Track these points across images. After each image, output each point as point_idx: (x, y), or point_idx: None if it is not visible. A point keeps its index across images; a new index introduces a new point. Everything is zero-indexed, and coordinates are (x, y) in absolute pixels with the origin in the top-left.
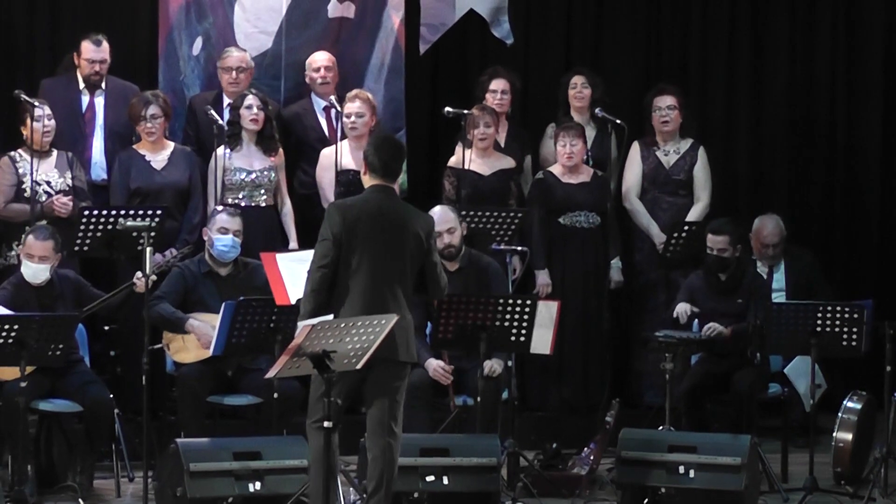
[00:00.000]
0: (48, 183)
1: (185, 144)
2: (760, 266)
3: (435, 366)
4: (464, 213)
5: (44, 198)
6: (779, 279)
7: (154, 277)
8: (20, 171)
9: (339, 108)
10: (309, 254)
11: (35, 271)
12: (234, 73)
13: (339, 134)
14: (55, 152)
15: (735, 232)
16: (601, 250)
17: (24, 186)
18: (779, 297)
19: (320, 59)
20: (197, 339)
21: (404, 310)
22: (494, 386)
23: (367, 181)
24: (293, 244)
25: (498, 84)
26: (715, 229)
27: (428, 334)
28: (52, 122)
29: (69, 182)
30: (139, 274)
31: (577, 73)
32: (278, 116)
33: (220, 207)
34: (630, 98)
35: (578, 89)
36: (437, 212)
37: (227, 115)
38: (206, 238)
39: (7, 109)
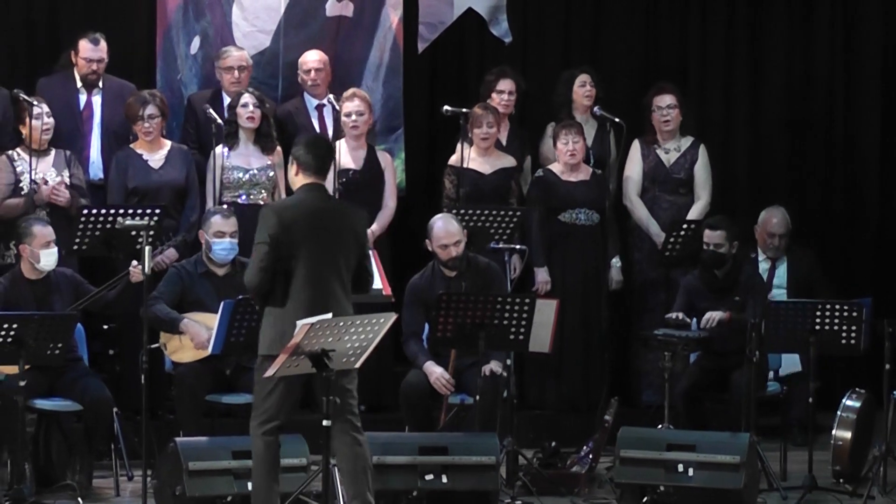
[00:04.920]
0: (46, 182)
1: (186, 143)
2: (763, 259)
3: (438, 375)
4: (462, 211)
5: (37, 185)
6: (780, 276)
7: (148, 272)
8: (18, 169)
9: (336, 107)
10: None
11: (55, 257)
12: (235, 72)
13: (331, 132)
14: (53, 151)
15: (731, 228)
16: (601, 248)
17: (21, 185)
18: (780, 294)
19: (311, 61)
20: (190, 339)
21: (345, 308)
22: (493, 384)
23: (300, 181)
24: None
25: (505, 84)
26: (711, 224)
27: (425, 337)
28: (52, 120)
29: (67, 180)
30: (135, 262)
31: (583, 72)
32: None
33: (213, 209)
34: (628, 96)
35: (587, 88)
36: (442, 226)
37: (213, 115)
38: (202, 241)
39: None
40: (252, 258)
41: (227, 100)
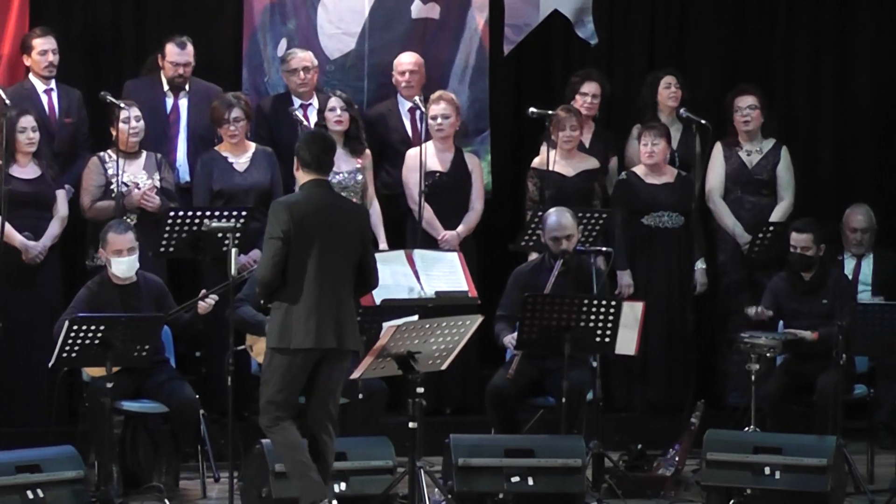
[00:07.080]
0: (136, 185)
1: None
2: (848, 257)
3: (508, 337)
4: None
5: (127, 189)
6: (865, 274)
7: (235, 274)
8: (109, 171)
9: (423, 109)
10: (394, 255)
11: (128, 265)
12: (301, 73)
13: (423, 134)
14: (144, 153)
15: (819, 231)
16: (685, 251)
17: (111, 187)
18: (864, 292)
19: (406, 63)
20: None
21: (350, 304)
22: (579, 387)
23: (302, 177)
24: (383, 245)
25: (590, 87)
26: (799, 227)
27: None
28: (141, 123)
29: (157, 183)
30: (204, 292)
31: (668, 74)
32: (363, 116)
33: None
34: (713, 98)
35: (673, 89)
36: (556, 219)
37: (299, 116)
38: None
39: (94, 110)
40: (264, 253)
41: (296, 102)
